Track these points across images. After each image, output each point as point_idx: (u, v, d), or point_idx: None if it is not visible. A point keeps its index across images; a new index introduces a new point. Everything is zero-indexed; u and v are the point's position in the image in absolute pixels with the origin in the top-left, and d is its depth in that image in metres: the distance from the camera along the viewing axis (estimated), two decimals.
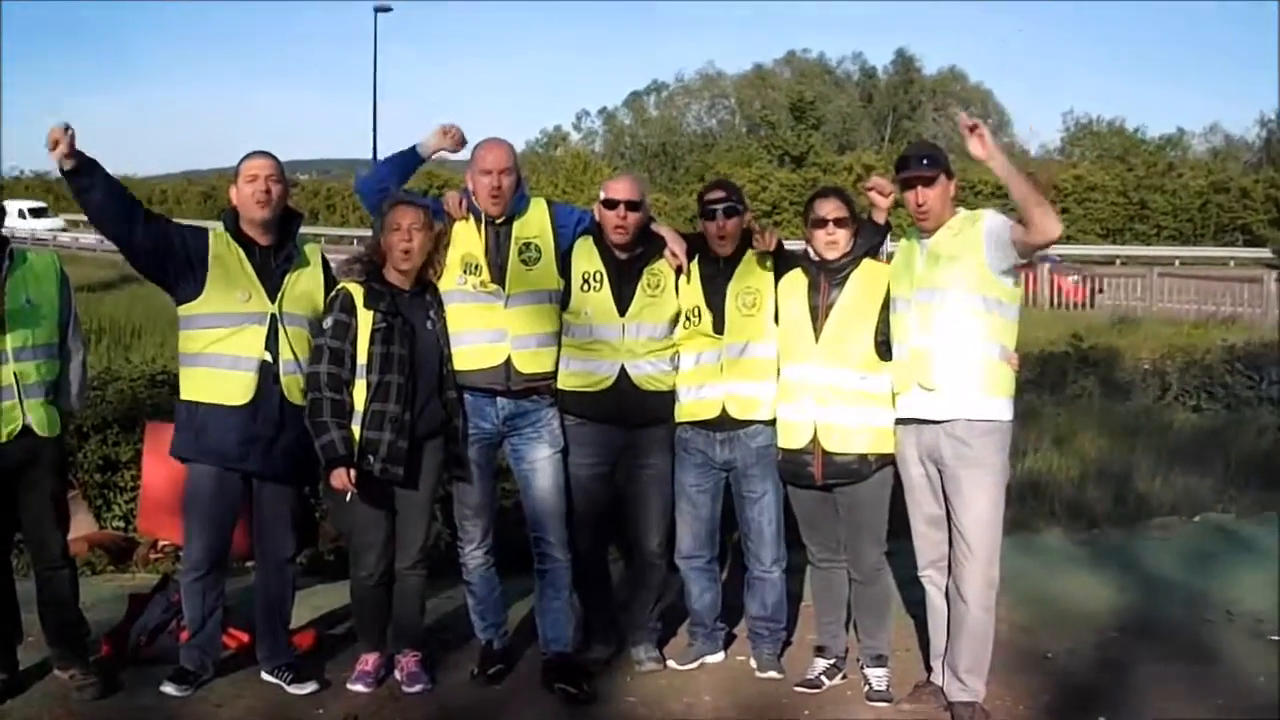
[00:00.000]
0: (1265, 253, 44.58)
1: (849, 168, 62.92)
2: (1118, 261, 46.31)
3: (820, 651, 5.44)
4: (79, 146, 4.83)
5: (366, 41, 44.58)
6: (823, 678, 5.36)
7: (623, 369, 5.31)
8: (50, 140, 4.80)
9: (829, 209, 5.18)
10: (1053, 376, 11.68)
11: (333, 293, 5.16)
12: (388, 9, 47.51)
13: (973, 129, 4.71)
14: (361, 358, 5.03)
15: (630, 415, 5.36)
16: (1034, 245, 4.81)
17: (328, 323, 5.05)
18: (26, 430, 5.07)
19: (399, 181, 5.41)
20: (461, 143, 5.40)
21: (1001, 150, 4.84)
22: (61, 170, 4.93)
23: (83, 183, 4.91)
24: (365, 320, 5.03)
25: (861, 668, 5.35)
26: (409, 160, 5.45)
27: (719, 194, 5.36)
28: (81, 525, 6.94)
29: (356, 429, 5.01)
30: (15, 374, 5.04)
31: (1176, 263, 43.66)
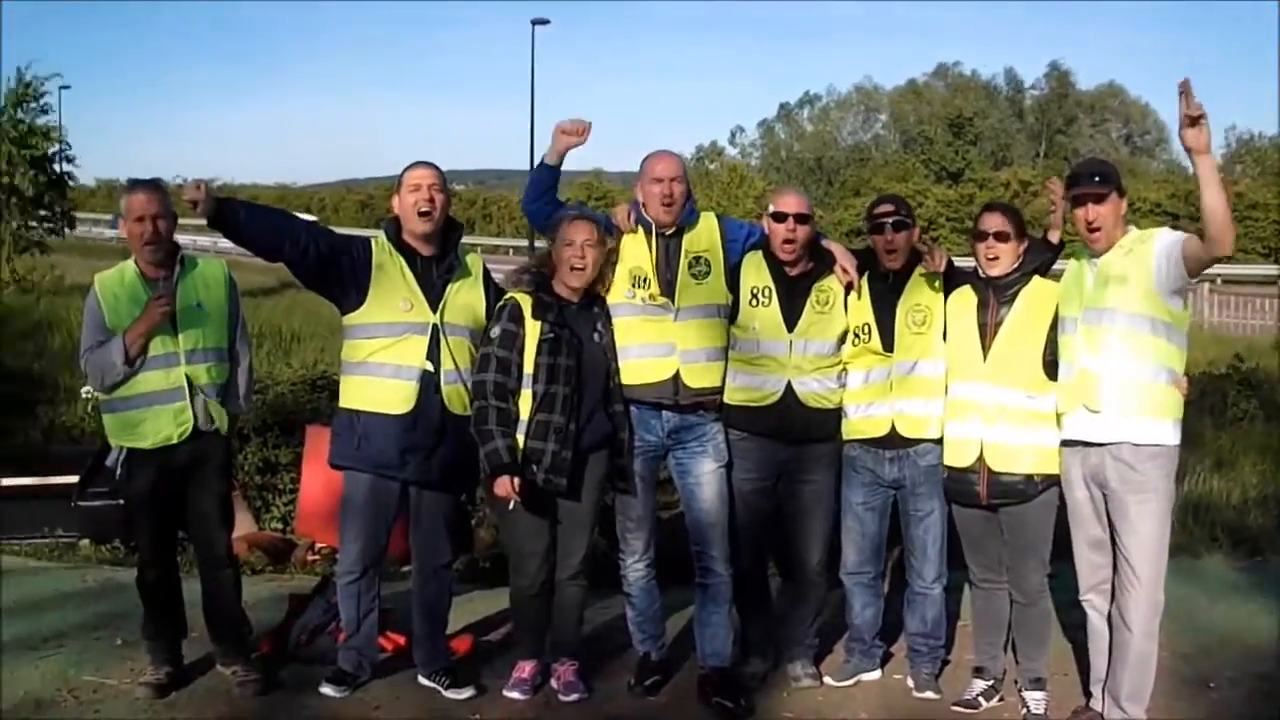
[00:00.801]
0: None
1: (1006, 183, 62.26)
2: None
3: (979, 672, 5.41)
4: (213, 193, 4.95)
5: (524, 54, 44.79)
6: (980, 699, 5.33)
7: (789, 385, 5.29)
8: (188, 202, 4.91)
9: (991, 223, 5.13)
10: (1213, 399, 11.37)
11: (501, 302, 5.18)
12: (545, 22, 47.62)
13: (1197, 119, 4.49)
14: (528, 368, 5.05)
15: (794, 431, 5.34)
16: (1208, 259, 4.68)
17: (495, 331, 5.07)
18: (197, 431, 5.16)
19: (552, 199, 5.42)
20: (580, 132, 5.31)
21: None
22: (208, 222, 5.00)
23: (228, 227, 5.01)
24: (533, 331, 5.05)
25: (1020, 690, 5.32)
26: (544, 177, 5.41)
27: (888, 207, 5.32)
28: (241, 525, 7.06)
29: (521, 438, 5.03)
30: (187, 375, 5.14)
31: None
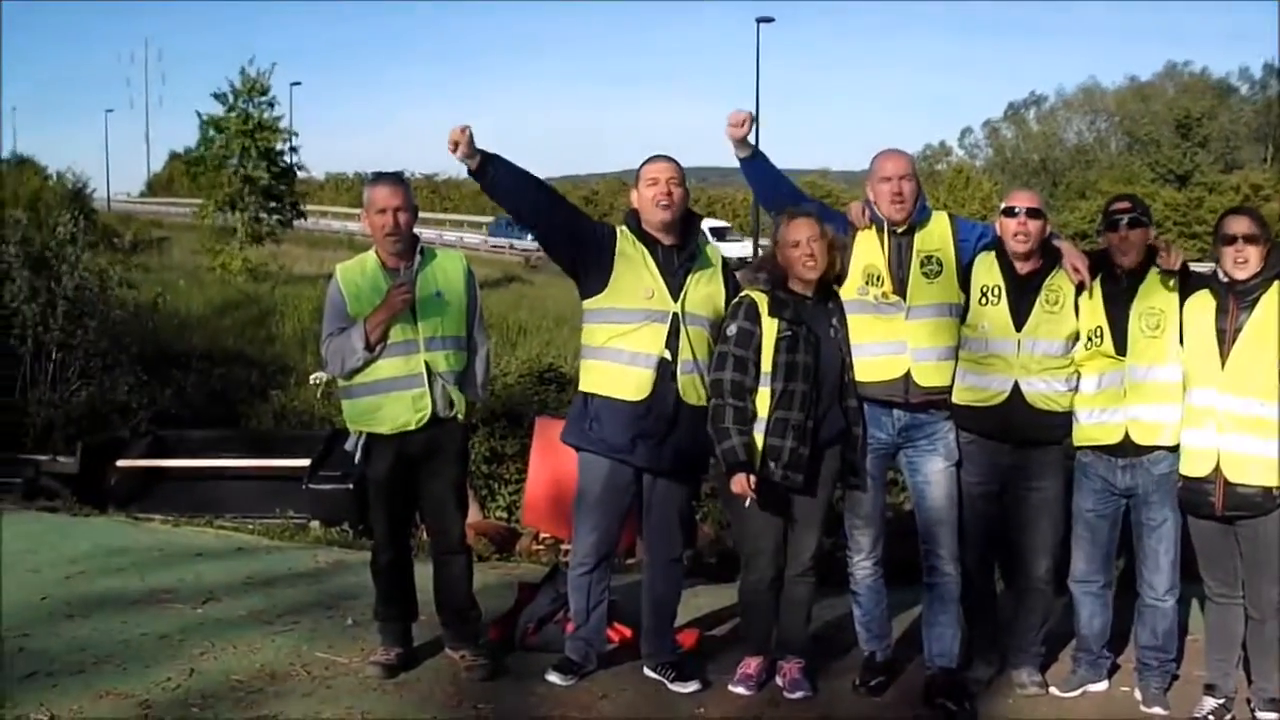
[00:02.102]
0: None
1: (1236, 187, 60.68)
2: None
3: (1210, 690, 5.29)
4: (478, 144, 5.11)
5: (749, 52, 45.09)
6: (1210, 717, 5.21)
7: (1016, 385, 5.29)
8: (450, 141, 5.10)
9: (1240, 226, 5.06)
10: None
11: (737, 300, 5.27)
12: (770, 20, 47.97)
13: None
14: (766, 365, 5.13)
15: (1020, 432, 5.33)
16: None
17: (732, 330, 5.16)
18: (435, 418, 5.34)
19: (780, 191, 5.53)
20: (740, 123, 5.38)
21: None
22: (468, 170, 5.15)
23: (487, 178, 5.17)
24: (770, 328, 5.13)
25: (1253, 710, 5.19)
26: (747, 174, 5.54)
27: (1124, 204, 5.30)
28: (469, 514, 7.25)
29: (759, 435, 5.11)
30: (426, 362, 5.33)
31: None
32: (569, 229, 5.27)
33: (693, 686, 5.34)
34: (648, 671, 5.45)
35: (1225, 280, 5.09)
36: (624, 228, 5.37)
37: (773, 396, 5.09)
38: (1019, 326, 5.29)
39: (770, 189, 5.57)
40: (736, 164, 5.62)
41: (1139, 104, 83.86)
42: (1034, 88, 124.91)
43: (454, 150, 5.10)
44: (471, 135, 5.08)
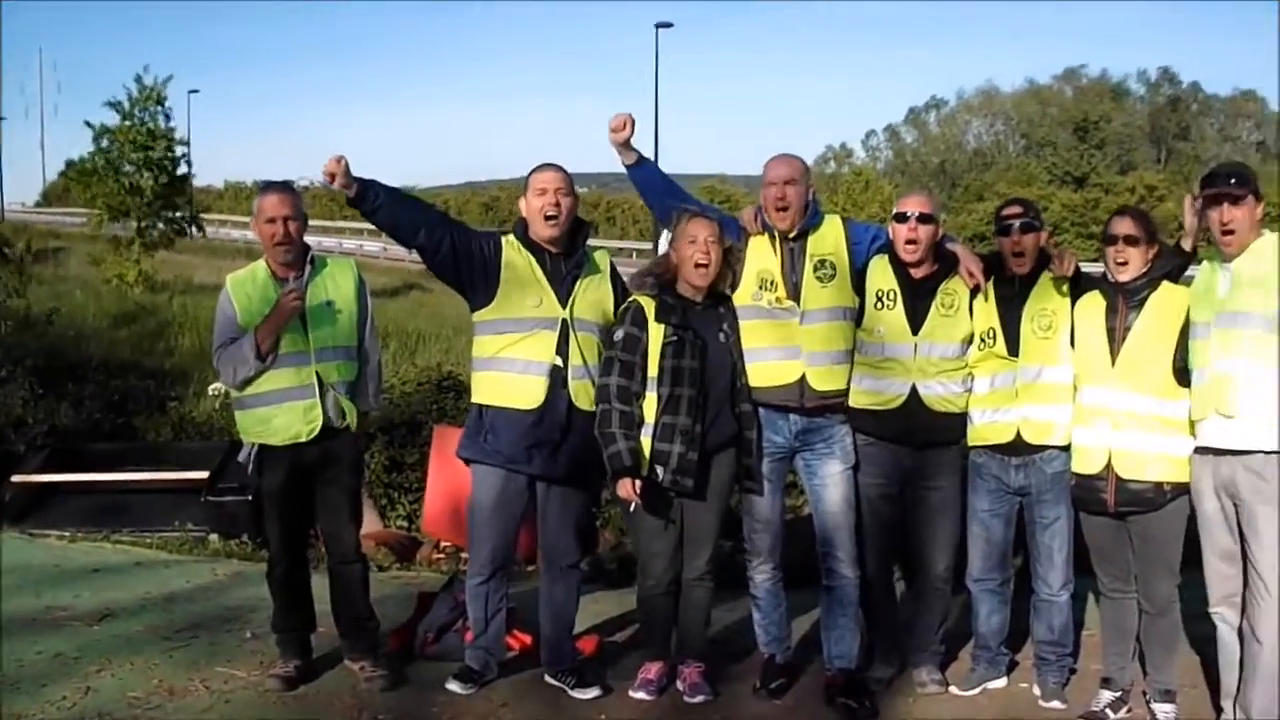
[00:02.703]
0: None
1: (1131, 188, 61.93)
2: None
3: (1106, 683, 5.38)
4: (354, 173, 5.11)
5: (648, 57, 44.99)
6: (1108, 710, 5.29)
7: (914, 389, 5.33)
8: (326, 173, 5.08)
9: (1122, 227, 5.14)
10: None
11: (624, 305, 5.28)
12: (669, 25, 47.99)
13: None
14: (652, 370, 5.14)
15: (919, 435, 5.38)
16: None
17: (619, 335, 5.17)
18: (327, 429, 5.31)
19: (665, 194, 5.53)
20: (619, 128, 5.36)
21: None
22: (346, 198, 5.14)
23: (366, 205, 5.17)
24: (656, 334, 5.14)
25: (1148, 702, 5.28)
26: (634, 180, 5.55)
27: (1016, 209, 5.36)
28: (367, 524, 7.21)
29: (647, 441, 5.12)
30: (317, 373, 5.30)
31: None
32: (452, 248, 5.23)
33: (593, 693, 5.34)
34: (548, 679, 5.45)
35: (1114, 281, 5.17)
36: (511, 236, 5.35)
37: (659, 401, 5.11)
38: (915, 330, 5.34)
39: (658, 195, 5.54)
40: None
41: (1037, 106, 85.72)
42: (935, 92, 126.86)
43: (331, 181, 5.07)
44: (348, 164, 5.05)
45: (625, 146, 5.41)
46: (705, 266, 5.17)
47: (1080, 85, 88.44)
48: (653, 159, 5.68)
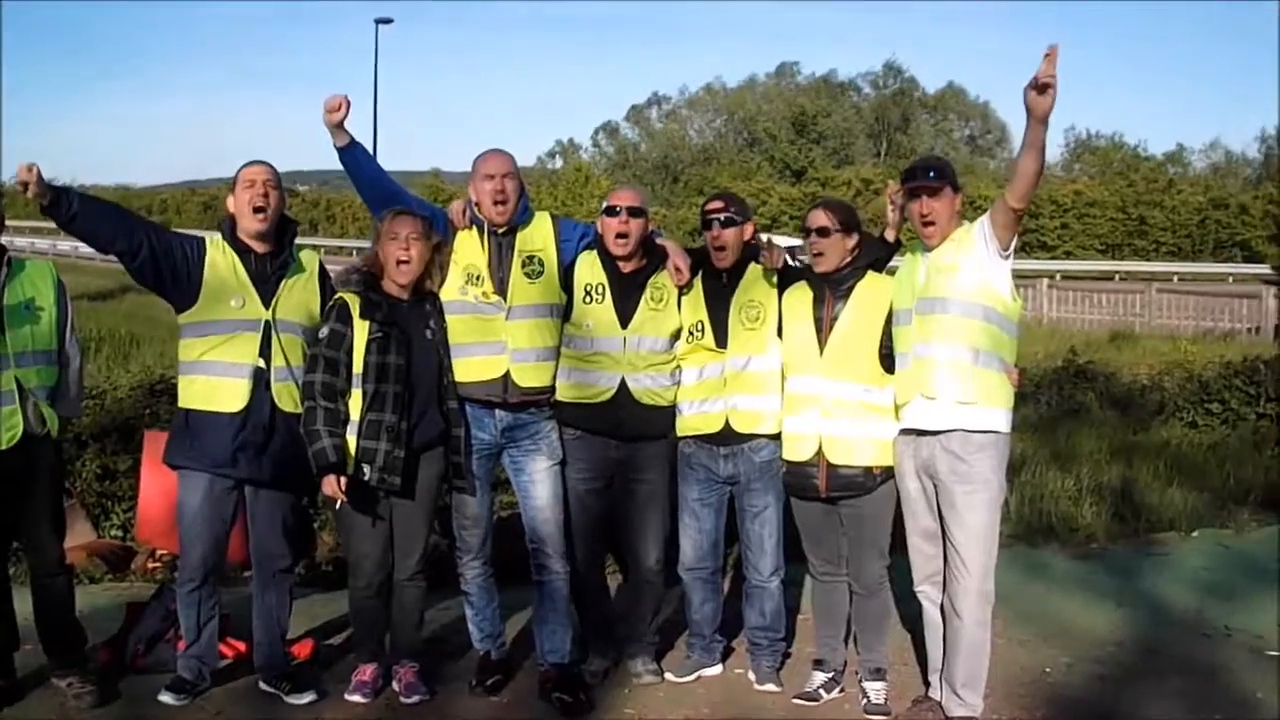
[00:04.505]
0: (1264, 269, 44.82)
1: (848, 182, 63.71)
2: (1116, 277, 46.65)
3: (819, 665, 5.57)
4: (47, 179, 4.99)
5: (367, 53, 44.91)
6: (821, 691, 5.49)
7: (623, 382, 5.44)
8: (19, 182, 4.93)
9: (813, 219, 5.35)
10: (1050, 392, 11.79)
11: (330, 302, 5.28)
12: (389, 21, 47.69)
13: (1046, 86, 4.58)
14: (357, 367, 5.16)
15: (628, 429, 5.48)
16: (1009, 216, 4.90)
17: (323, 332, 5.18)
18: (27, 436, 5.17)
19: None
20: (334, 109, 5.32)
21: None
22: (40, 206, 5.04)
23: (61, 215, 5.07)
24: (361, 330, 5.16)
25: (860, 681, 5.49)
26: (346, 164, 5.48)
27: (718, 204, 5.50)
28: (79, 534, 7.08)
29: (353, 439, 5.13)
30: (16, 379, 5.14)
31: (1175, 279, 43.96)
32: (151, 253, 5.15)
33: (309, 698, 5.32)
34: (263, 685, 5.40)
35: (819, 272, 5.35)
36: (216, 236, 5.31)
37: (365, 398, 5.12)
38: (624, 324, 5.44)
39: (371, 182, 5.50)
40: None
41: (757, 103, 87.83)
42: (657, 88, 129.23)
43: (24, 191, 4.93)
44: (40, 171, 4.93)
45: (339, 128, 5.37)
46: (407, 264, 5.20)
47: (795, 82, 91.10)
48: (370, 151, 5.66)
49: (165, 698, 5.24)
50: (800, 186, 67.35)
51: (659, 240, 5.64)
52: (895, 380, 5.18)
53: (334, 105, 5.32)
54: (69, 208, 5.04)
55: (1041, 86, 4.59)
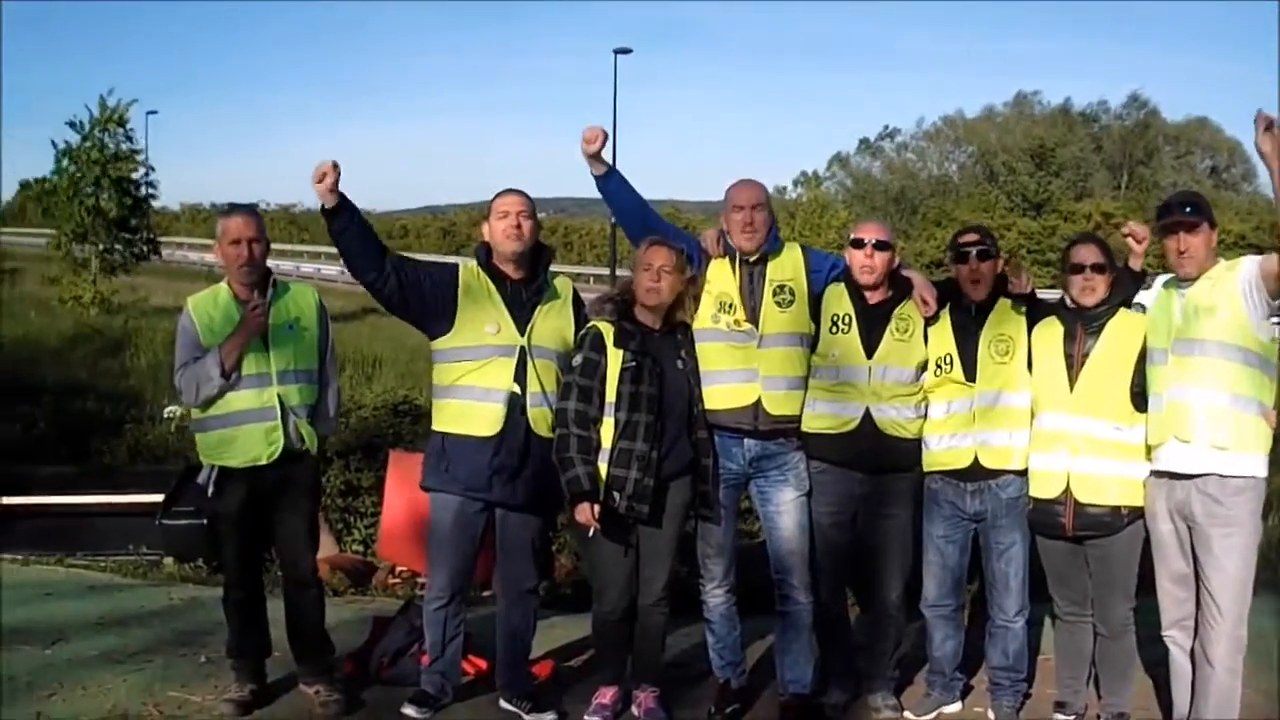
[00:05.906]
0: None
1: (1088, 215, 62.28)
2: None
3: (1060, 707, 5.50)
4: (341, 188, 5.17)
5: (607, 83, 45.46)
6: None
7: (867, 412, 5.44)
8: (317, 173, 5.14)
9: (1087, 255, 5.26)
10: None
11: (583, 330, 5.37)
12: (627, 51, 48.16)
13: (1270, 125, 4.58)
14: (610, 396, 5.23)
15: (872, 459, 5.48)
16: None
17: (577, 360, 5.27)
18: (287, 452, 5.38)
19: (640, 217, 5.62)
20: (590, 140, 5.43)
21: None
22: (322, 207, 5.22)
23: (340, 223, 5.24)
24: (614, 359, 5.23)
25: None
26: (603, 191, 5.61)
27: (973, 237, 5.48)
28: (323, 547, 7.28)
29: (604, 466, 5.21)
30: (279, 396, 5.36)
31: None
32: (399, 286, 5.31)
33: (549, 717, 5.43)
34: (504, 704, 5.52)
35: (1072, 307, 5.30)
36: (471, 262, 5.46)
37: (617, 426, 5.20)
38: (870, 354, 5.45)
39: (632, 210, 5.64)
40: (596, 194, 5.69)
41: (995, 134, 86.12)
42: (889, 121, 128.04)
43: (319, 181, 5.13)
44: (340, 174, 5.13)
45: (596, 158, 5.50)
46: (656, 293, 5.28)
47: (1031, 113, 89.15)
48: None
49: (408, 710, 5.39)
50: (1040, 220, 66.04)
51: (905, 272, 5.64)
52: (1148, 420, 5.10)
53: (592, 136, 5.43)
54: (350, 217, 5.23)
55: (1267, 126, 4.56)
